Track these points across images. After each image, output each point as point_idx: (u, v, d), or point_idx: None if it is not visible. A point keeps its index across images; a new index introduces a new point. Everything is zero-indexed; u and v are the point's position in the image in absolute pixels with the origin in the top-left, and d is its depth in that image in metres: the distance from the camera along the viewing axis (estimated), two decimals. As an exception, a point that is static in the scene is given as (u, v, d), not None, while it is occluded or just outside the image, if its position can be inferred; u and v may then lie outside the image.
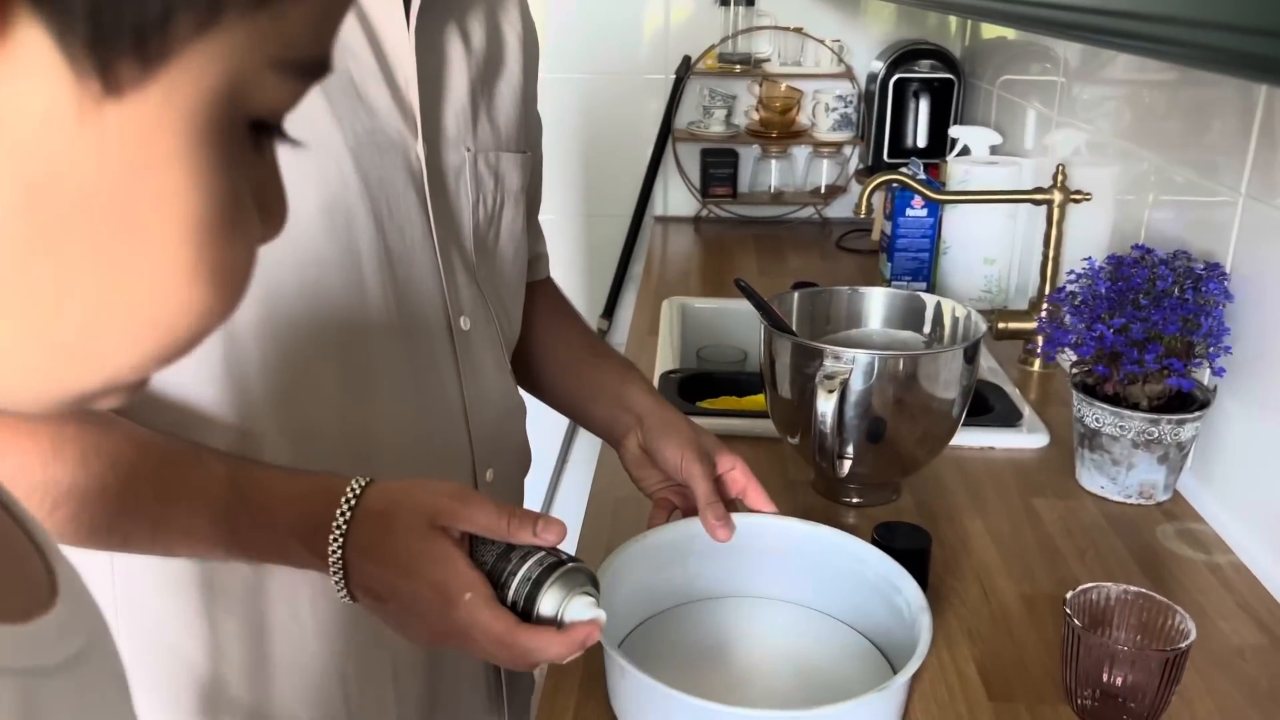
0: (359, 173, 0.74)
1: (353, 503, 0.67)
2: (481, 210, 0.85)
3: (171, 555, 0.70)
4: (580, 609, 0.65)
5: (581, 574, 0.66)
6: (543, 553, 0.66)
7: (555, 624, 0.65)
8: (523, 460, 0.99)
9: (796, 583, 0.95)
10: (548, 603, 0.64)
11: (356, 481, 0.68)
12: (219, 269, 0.28)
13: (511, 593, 0.65)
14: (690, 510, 0.92)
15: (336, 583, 0.67)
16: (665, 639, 0.91)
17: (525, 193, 0.90)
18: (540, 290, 1.04)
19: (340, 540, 0.66)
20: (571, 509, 2.51)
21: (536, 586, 0.64)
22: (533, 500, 2.54)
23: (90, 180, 0.25)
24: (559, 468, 2.53)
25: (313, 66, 0.28)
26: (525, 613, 0.65)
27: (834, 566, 0.92)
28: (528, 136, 0.93)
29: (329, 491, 0.68)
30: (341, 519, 0.66)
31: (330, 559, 0.66)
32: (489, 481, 0.88)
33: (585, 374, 1.01)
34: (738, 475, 0.92)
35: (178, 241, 0.26)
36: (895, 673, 0.79)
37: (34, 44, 0.23)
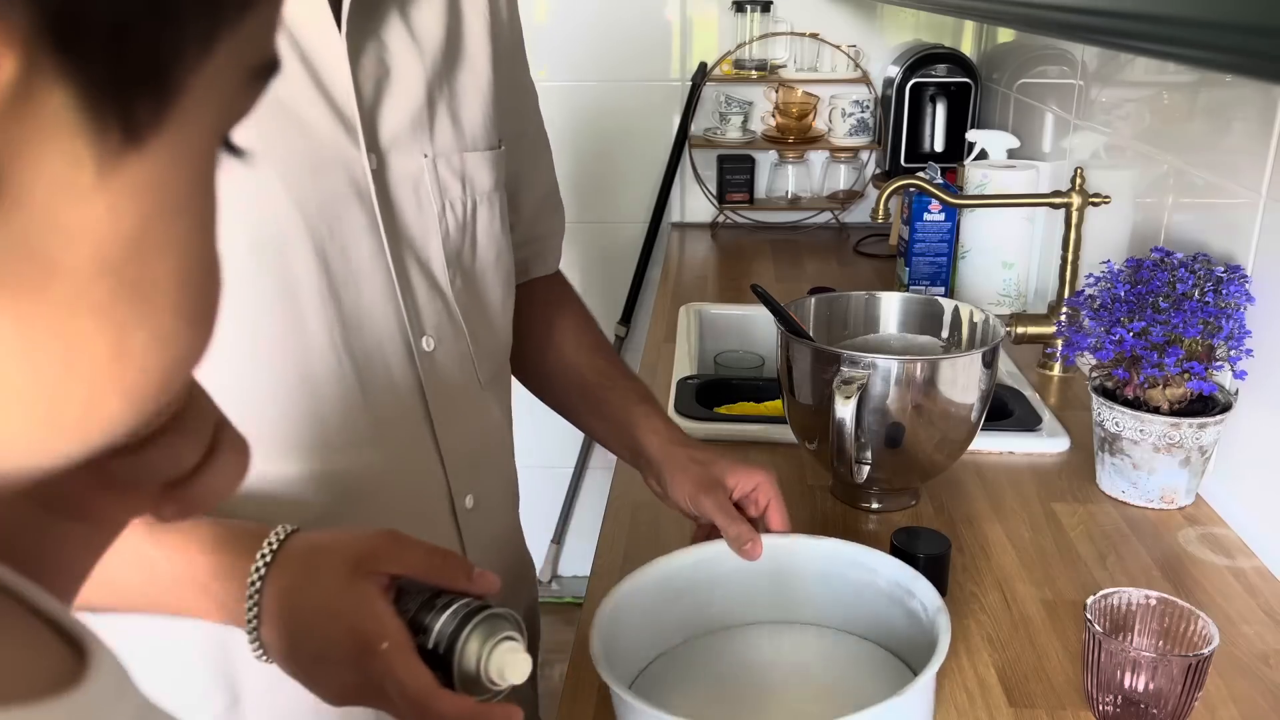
0: (291, 199, 0.70)
1: (274, 545, 0.64)
2: (450, 218, 0.80)
3: (91, 610, 0.65)
4: (504, 654, 0.61)
5: (507, 621, 0.63)
6: (469, 598, 0.63)
7: (476, 670, 0.61)
8: (508, 487, 0.94)
9: (809, 601, 0.91)
10: (471, 647, 0.61)
11: (282, 527, 0.65)
12: (207, 307, 0.26)
13: (433, 636, 0.61)
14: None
15: (250, 628, 0.63)
16: (680, 676, 0.88)
17: (502, 190, 0.85)
18: (548, 287, 1.00)
19: (258, 583, 0.63)
20: (591, 516, 2.52)
21: (459, 630, 0.61)
22: (551, 508, 2.57)
23: (104, 242, 0.23)
24: (578, 474, 2.53)
25: (271, 66, 0.26)
26: (446, 658, 0.61)
27: (845, 579, 0.89)
28: (516, 121, 0.88)
29: (251, 535, 0.65)
30: (262, 561, 0.63)
31: (247, 601, 0.62)
32: (470, 508, 0.84)
33: (596, 405, 0.98)
34: (760, 495, 0.88)
35: (177, 288, 0.25)
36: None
37: (52, 99, 0.21)
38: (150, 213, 0.23)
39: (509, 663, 0.61)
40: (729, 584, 0.89)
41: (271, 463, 0.74)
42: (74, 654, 0.29)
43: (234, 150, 0.27)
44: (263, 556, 0.63)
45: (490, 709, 0.60)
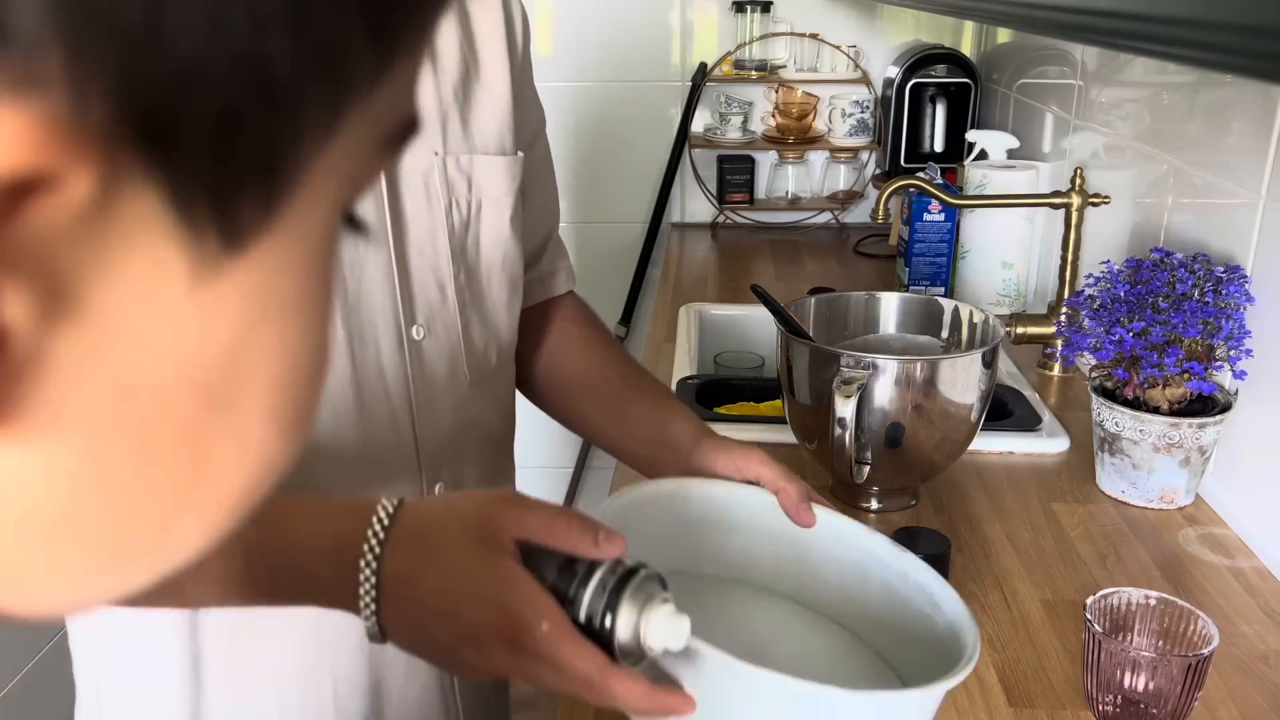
0: None
1: (385, 523, 0.59)
2: (456, 214, 0.84)
3: (184, 605, 0.64)
4: (663, 620, 0.57)
5: (654, 581, 0.59)
6: (606, 563, 0.58)
7: (636, 640, 0.57)
8: (490, 475, 0.93)
9: (833, 594, 0.80)
10: (625, 618, 0.57)
11: (389, 500, 0.60)
12: (305, 411, 0.22)
13: (583, 609, 0.57)
14: None
15: (368, 618, 0.58)
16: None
17: (514, 195, 0.88)
18: (562, 308, 1.01)
19: (374, 565, 0.58)
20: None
21: (611, 602, 0.57)
22: (551, 507, 2.56)
23: (194, 358, 0.19)
24: (578, 474, 2.53)
25: (410, 126, 0.23)
26: (600, 630, 0.58)
27: (879, 584, 0.77)
28: (523, 134, 0.91)
29: (356, 512, 0.60)
30: (374, 540, 0.58)
31: (362, 588, 0.58)
32: (437, 495, 0.85)
33: (621, 405, 0.93)
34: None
35: (274, 394, 0.21)
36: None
37: (139, 204, 0.17)
38: (252, 319, 0.20)
39: (668, 629, 0.57)
40: (749, 533, 0.80)
41: None
42: None
43: (355, 224, 0.24)
44: (375, 535, 0.59)
45: (664, 693, 0.57)
